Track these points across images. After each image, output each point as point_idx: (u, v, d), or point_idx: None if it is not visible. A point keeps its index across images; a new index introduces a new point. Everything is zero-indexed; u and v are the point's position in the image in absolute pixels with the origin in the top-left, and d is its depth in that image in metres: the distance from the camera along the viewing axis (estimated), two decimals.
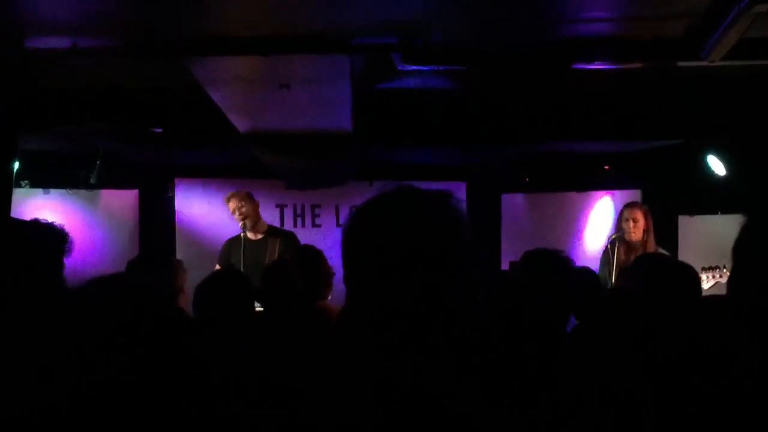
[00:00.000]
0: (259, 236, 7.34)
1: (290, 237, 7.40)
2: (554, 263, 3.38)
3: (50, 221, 2.83)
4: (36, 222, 2.83)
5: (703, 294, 5.01)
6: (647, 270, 3.49)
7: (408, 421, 1.41)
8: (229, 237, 7.58)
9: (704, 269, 6.57)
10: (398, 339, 1.53)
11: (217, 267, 7.29)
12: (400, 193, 1.64)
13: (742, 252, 2.56)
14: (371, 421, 1.42)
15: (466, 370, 1.58)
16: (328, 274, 5.39)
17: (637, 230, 6.98)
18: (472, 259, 1.60)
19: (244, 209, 7.33)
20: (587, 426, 2.58)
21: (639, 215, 7.04)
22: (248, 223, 7.29)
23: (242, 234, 7.23)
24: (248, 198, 7.43)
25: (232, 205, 7.39)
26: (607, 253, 7.16)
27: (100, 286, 1.83)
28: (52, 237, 2.79)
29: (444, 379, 1.51)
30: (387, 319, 1.53)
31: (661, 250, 6.86)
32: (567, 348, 3.03)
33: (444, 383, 1.50)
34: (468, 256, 1.59)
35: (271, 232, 7.49)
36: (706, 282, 6.28)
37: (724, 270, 6.39)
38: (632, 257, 6.45)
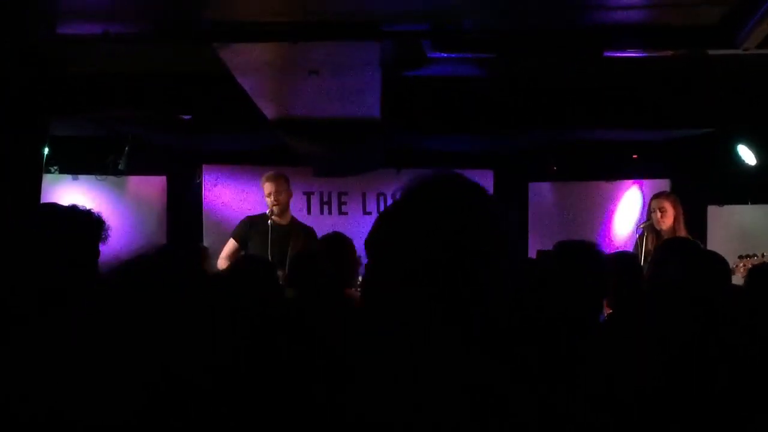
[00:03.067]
0: (284, 224, 7.21)
1: (312, 233, 7.30)
2: (589, 255, 3.35)
3: (87, 208, 2.84)
4: (74, 207, 2.83)
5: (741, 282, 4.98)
6: (682, 258, 3.46)
7: (445, 408, 1.41)
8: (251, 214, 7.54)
9: (741, 257, 6.50)
10: (436, 327, 1.52)
11: (231, 241, 7.26)
12: (442, 182, 1.63)
13: None
14: (408, 407, 1.41)
15: (501, 359, 1.57)
16: (357, 262, 5.38)
17: (666, 220, 6.93)
18: (512, 249, 1.59)
19: (281, 195, 7.20)
20: (618, 417, 2.56)
21: (668, 205, 6.98)
22: (278, 209, 7.19)
23: (270, 219, 7.10)
24: (287, 184, 7.28)
25: (271, 187, 7.21)
26: (637, 243, 7.12)
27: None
28: (89, 223, 2.80)
29: (481, 368, 1.50)
30: (425, 308, 1.53)
31: (696, 241, 6.80)
32: (599, 338, 3.01)
33: (481, 372, 1.49)
34: (509, 245, 1.58)
35: (294, 222, 7.41)
36: (744, 269, 6.20)
37: (763, 257, 6.32)
38: None
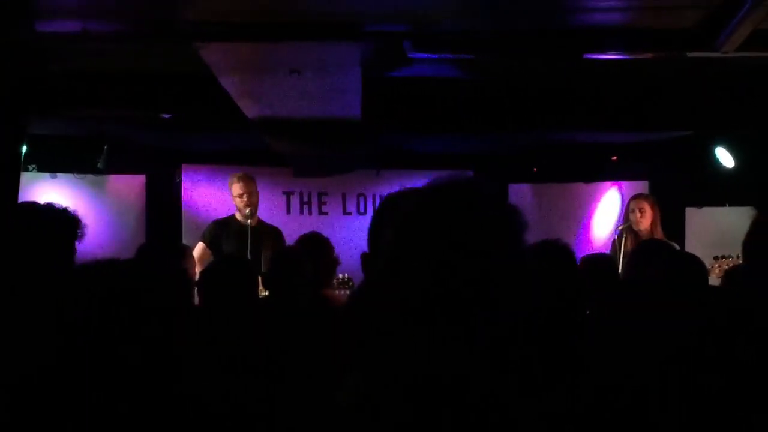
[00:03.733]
0: (255, 225, 7.12)
1: (281, 234, 7.29)
2: (560, 255, 3.36)
3: (64, 206, 2.83)
4: (50, 206, 2.83)
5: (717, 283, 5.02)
6: (660, 259, 3.48)
7: (438, 407, 1.41)
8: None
9: (716, 258, 6.55)
10: (439, 328, 1.53)
11: (200, 244, 7.16)
12: (456, 186, 1.64)
13: (754, 246, 2.55)
14: (401, 410, 1.41)
15: (497, 360, 1.58)
16: (335, 262, 5.37)
17: (644, 221, 6.97)
18: (521, 253, 1.60)
19: (254, 197, 7.19)
20: (603, 416, 2.57)
21: (646, 206, 7.02)
22: (252, 210, 7.13)
23: (248, 220, 7.05)
24: (255, 184, 7.31)
25: (244, 188, 7.17)
26: (614, 244, 7.15)
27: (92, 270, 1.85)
28: (66, 221, 2.79)
29: (478, 370, 1.51)
30: (426, 308, 1.53)
31: (672, 243, 6.85)
32: (582, 338, 3.02)
33: (478, 374, 1.50)
34: (518, 249, 1.60)
35: (263, 223, 7.37)
36: (719, 270, 6.25)
37: (737, 259, 6.36)
38: None
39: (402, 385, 1.42)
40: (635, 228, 7.01)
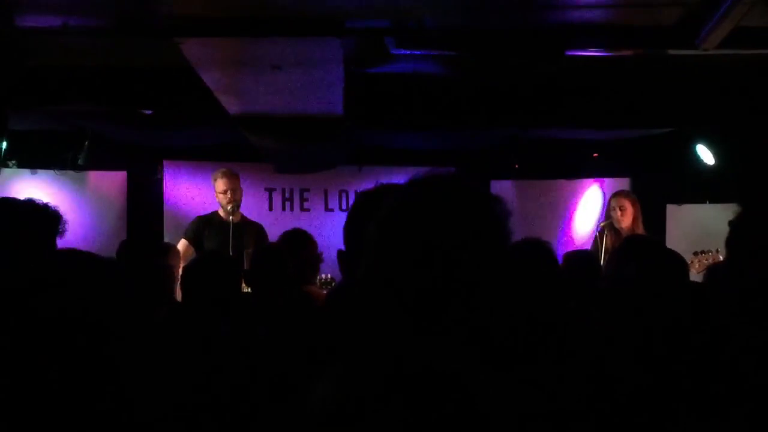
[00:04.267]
0: (237, 221, 7.14)
1: (263, 230, 7.32)
2: (539, 252, 3.37)
3: (44, 202, 2.82)
4: (31, 202, 2.82)
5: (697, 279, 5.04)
6: (639, 255, 3.49)
7: (419, 401, 1.41)
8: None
9: (696, 254, 6.59)
10: (429, 322, 1.52)
11: (182, 241, 7.15)
12: (438, 180, 1.64)
13: (736, 243, 2.56)
14: (386, 405, 1.41)
15: (483, 354, 1.58)
16: (317, 259, 5.36)
17: (625, 218, 7.00)
18: (506, 243, 1.61)
19: (237, 193, 7.19)
20: (583, 415, 2.58)
21: (627, 203, 7.06)
22: (235, 207, 7.12)
23: (230, 216, 7.05)
24: (239, 180, 7.31)
25: (228, 184, 7.16)
26: (596, 241, 7.18)
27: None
28: (46, 217, 2.78)
29: (468, 365, 1.51)
30: (407, 302, 1.53)
31: (655, 239, 6.87)
32: (562, 334, 3.03)
33: (467, 368, 1.50)
34: (503, 239, 1.60)
35: (245, 219, 7.38)
36: (699, 265, 6.29)
37: (717, 253, 6.40)
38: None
39: (389, 378, 1.42)
40: (616, 225, 7.04)
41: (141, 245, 5.14)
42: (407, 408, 1.36)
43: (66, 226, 2.83)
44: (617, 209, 7.04)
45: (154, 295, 4.42)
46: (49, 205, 2.84)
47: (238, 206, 7.21)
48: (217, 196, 7.27)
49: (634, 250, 3.73)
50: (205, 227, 7.27)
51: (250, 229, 7.20)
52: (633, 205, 7.06)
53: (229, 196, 7.13)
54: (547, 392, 2.38)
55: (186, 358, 3.39)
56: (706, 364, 2.29)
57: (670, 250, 3.78)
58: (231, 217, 7.01)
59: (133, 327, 1.81)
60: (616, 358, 2.59)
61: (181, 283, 4.22)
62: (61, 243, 2.89)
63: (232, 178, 7.21)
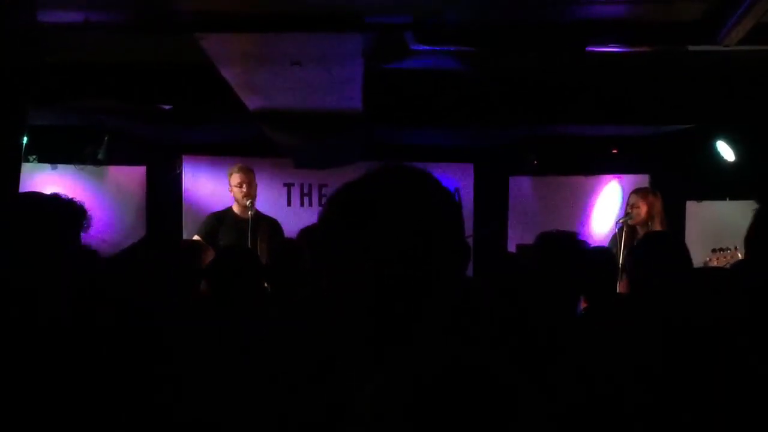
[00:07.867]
0: (253, 217, 7.07)
1: (278, 225, 7.33)
2: (572, 246, 3.37)
3: (69, 197, 2.82)
4: (56, 196, 2.82)
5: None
6: (660, 253, 3.49)
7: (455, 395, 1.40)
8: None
9: (714, 251, 6.55)
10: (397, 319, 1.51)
11: (195, 237, 7.14)
12: (385, 178, 1.60)
13: (757, 240, 2.55)
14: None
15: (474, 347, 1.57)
16: None
17: (644, 215, 6.96)
18: (459, 239, 1.58)
19: (253, 188, 7.20)
20: (593, 411, 2.58)
21: (647, 200, 7.01)
22: (252, 201, 7.11)
23: (248, 212, 7.03)
24: (254, 175, 7.31)
25: (244, 179, 7.17)
26: (614, 238, 7.15)
27: None
28: (72, 212, 2.78)
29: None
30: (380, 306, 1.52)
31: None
32: (576, 333, 3.03)
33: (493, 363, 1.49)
34: (456, 236, 1.57)
35: (260, 214, 7.34)
36: (717, 262, 6.26)
37: (735, 251, 6.37)
38: None
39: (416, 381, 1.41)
40: (636, 221, 7.00)
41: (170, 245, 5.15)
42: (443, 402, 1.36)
43: (91, 221, 2.84)
44: (637, 206, 7.00)
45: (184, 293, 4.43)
46: (75, 200, 2.84)
47: (254, 201, 7.18)
48: (232, 191, 7.27)
49: (653, 247, 3.73)
50: (220, 223, 7.27)
51: (264, 224, 7.19)
52: (653, 201, 7.01)
53: (245, 189, 7.14)
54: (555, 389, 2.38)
55: (226, 356, 3.40)
56: (722, 365, 2.29)
57: (683, 246, 3.77)
58: (248, 212, 7.01)
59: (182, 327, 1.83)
60: (633, 358, 2.58)
61: (206, 278, 4.24)
62: (83, 238, 2.91)
63: (247, 172, 7.21)
